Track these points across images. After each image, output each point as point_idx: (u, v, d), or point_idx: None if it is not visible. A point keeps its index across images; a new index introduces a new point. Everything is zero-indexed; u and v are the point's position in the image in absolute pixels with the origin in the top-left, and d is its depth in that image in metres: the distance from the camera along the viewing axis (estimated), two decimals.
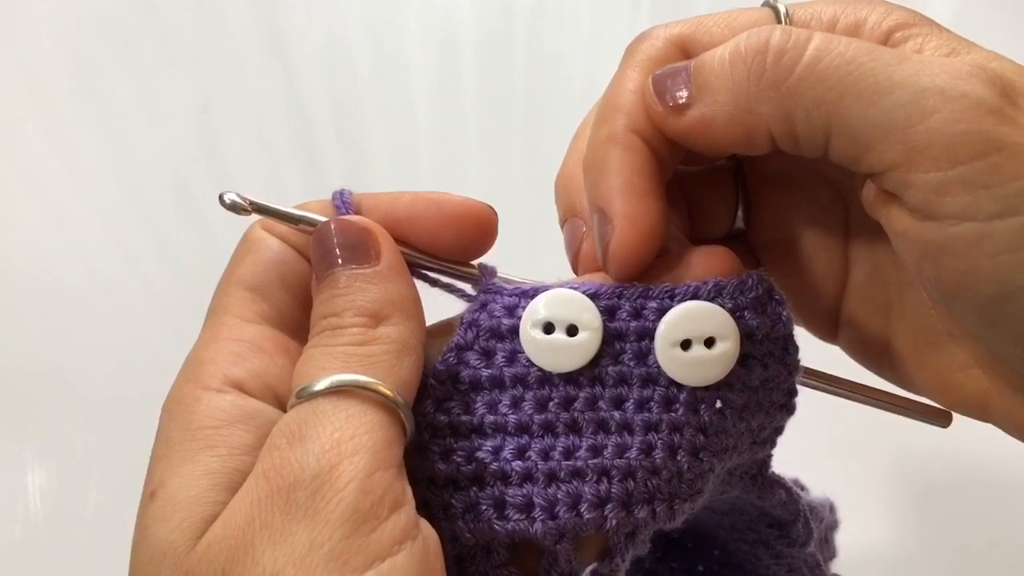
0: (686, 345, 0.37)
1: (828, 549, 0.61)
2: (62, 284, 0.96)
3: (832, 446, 0.79)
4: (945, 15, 0.99)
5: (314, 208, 0.40)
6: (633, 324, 0.38)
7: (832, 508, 0.61)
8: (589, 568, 0.39)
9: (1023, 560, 0.78)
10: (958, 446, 0.78)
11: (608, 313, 0.38)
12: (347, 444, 0.32)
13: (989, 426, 0.41)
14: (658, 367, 0.38)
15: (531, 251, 0.98)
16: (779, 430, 0.42)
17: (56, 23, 1.03)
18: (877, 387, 0.44)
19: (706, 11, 1.05)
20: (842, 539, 0.62)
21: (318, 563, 0.30)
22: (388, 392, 0.34)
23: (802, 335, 0.41)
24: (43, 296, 0.96)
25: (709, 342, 0.37)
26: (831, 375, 0.43)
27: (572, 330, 0.38)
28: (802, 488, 0.60)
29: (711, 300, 0.38)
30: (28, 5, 1.02)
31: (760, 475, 0.44)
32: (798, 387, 0.42)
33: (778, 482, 0.45)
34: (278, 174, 1.02)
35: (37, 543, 0.85)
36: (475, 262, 0.41)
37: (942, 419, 0.44)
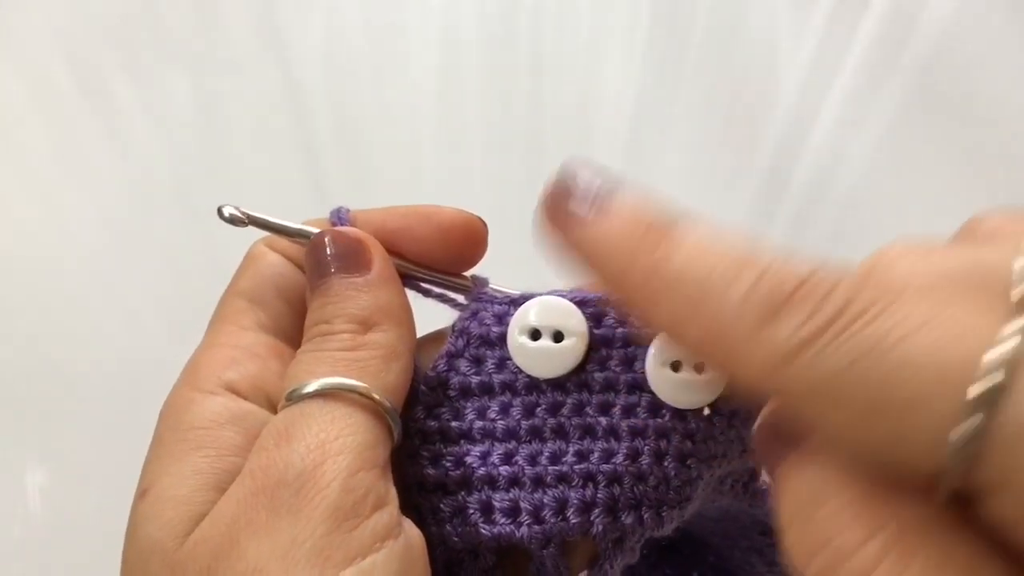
0: (676, 366, 0.38)
1: None
2: (62, 284, 0.96)
3: None
4: (944, 15, 0.99)
5: (313, 225, 0.41)
6: (619, 331, 0.38)
7: None
8: None
9: None
10: None
11: (595, 320, 0.39)
12: (331, 444, 0.33)
13: None
14: (644, 374, 0.38)
15: (531, 249, 0.98)
16: None
17: (56, 23, 1.03)
18: None
19: (706, 13, 1.05)
20: None
21: (300, 558, 0.31)
22: (374, 395, 0.35)
23: None
24: (43, 296, 0.96)
25: (700, 366, 0.37)
26: None
27: (558, 336, 0.38)
28: None
29: None
30: (28, 5, 1.02)
31: (752, 483, 0.44)
32: None
33: (769, 491, 0.45)
34: (278, 174, 1.02)
35: (37, 543, 0.85)
36: (468, 273, 0.42)
37: None
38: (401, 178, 1.04)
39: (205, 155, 1.02)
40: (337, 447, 0.33)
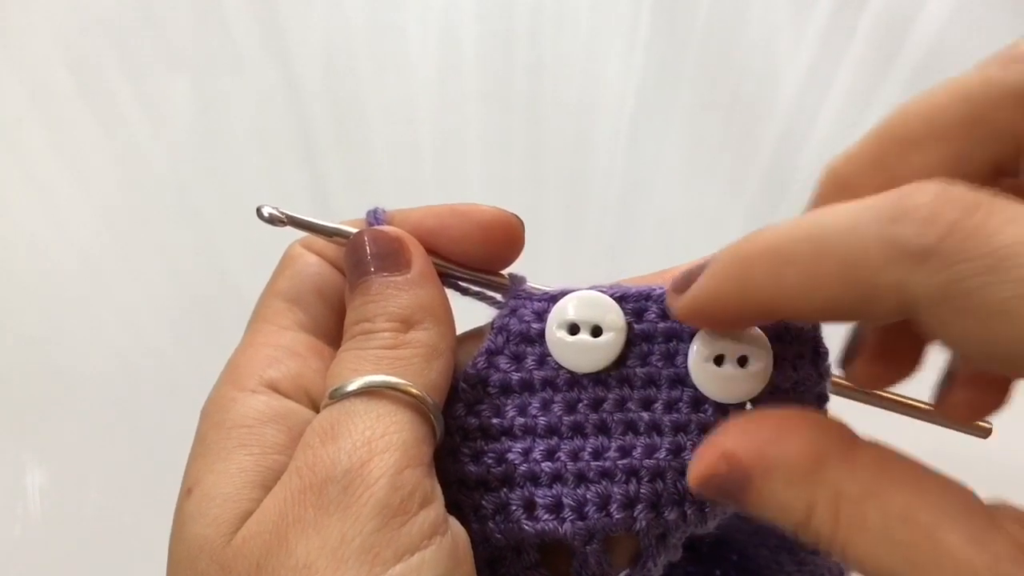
0: (719, 360, 0.38)
1: None
2: (62, 284, 0.96)
3: None
4: (942, 15, 1.00)
5: (350, 225, 0.41)
6: (661, 325, 0.39)
7: None
8: (622, 573, 0.39)
9: None
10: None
11: (635, 315, 0.39)
12: (378, 442, 0.33)
13: None
14: (686, 368, 0.38)
15: (530, 250, 0.99)
16: None
17: (56, 23, 1.02)
18: (913, 397, 0.43)
19: (706, 13, 1.05)
20: None
21: (350, 555, 0.31)
22: (417, 393, 0.35)
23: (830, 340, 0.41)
24: (43, 296, 0.95)
25: (742, 360, 0.38)
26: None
27: (597, 331, 0.39)
28: None
29: None
30: (28, 5, 1.02)
31: None
32: (837, 398, 0.41)
33: None
34: (278, 174, 1.02)
35: (37, 543, 0.85)
36: (504, 272, 0.42)
37: (981, 431, 0.43)
38: (401, 178, 1.04)
39: (205, 155, 1.02)
40: (383, 444, 0.33)
